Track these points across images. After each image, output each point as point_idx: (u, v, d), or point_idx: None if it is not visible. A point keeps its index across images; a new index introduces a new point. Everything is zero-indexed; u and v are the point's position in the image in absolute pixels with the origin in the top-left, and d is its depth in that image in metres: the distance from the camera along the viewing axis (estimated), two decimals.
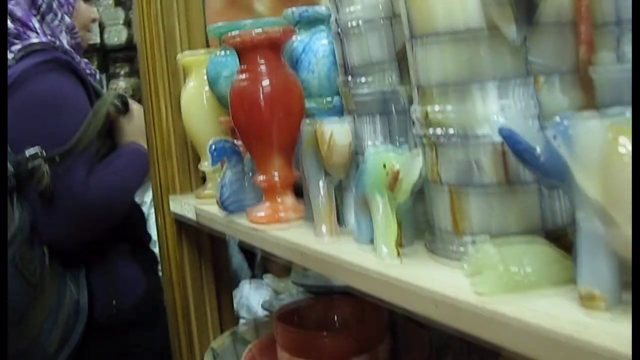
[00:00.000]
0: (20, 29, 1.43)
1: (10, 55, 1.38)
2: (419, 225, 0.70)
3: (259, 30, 0.85)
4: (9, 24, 1.44)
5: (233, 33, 0.86)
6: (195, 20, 1.31)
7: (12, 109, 1.31)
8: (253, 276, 2.52)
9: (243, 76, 0.86)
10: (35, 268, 1.33)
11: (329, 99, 0.88)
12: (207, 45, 1.31)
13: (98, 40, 3.83)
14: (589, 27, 0.62)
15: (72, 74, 1.43)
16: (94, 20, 1.63)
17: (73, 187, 1.35)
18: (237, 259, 2.47)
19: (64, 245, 1.40)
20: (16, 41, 1.41)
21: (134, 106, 1.53)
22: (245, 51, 0.86)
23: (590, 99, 0.60)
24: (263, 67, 0.85)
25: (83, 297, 1.43)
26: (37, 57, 1.39)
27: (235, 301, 1.93)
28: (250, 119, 0.85)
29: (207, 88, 1.13)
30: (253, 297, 2.28)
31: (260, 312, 1.85)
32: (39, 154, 1.31)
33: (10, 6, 1.44)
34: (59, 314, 1.39)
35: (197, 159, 1.24)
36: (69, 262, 1.44)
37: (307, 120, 0.80)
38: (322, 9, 0.91)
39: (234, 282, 2.23)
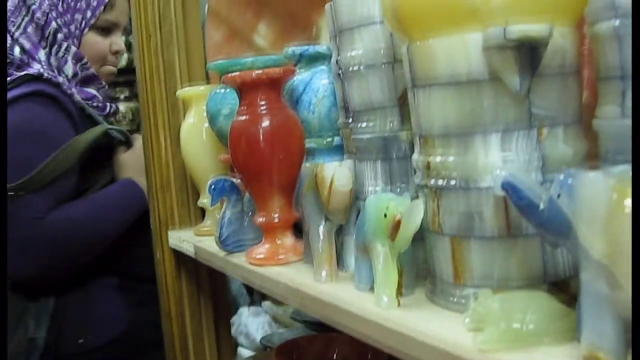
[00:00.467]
0: (26, 60, 1.43)
1: None
2: (419, 272, 0.69)
3: (259, 70, 0.85)
4: (17, 53, 1.43)
5: (233, 74, 0.85)
6: (195, 53, 1.30)
7: None
8: (252, 302, 2.51)
9: (243, 117, 0.85)
10: None
11: (329, 138, 0.88)
12: (207, 78, 1.31)
13: None
14: (592, 72, 0.62)
15: (55, 106, 1.39)
16: (116, 52, 1.58)
17: (28, 220, 1.31)
18: (236, 285, 2.45)
19: (19, 278, 1.36)
20: (16, 72, 1.40)
21: (137, 143, 1.48)
22: (245, 90, 0.86)
23: (593, 146, 0.60)
24: (263, 107, 0.84)
25: (40, 333, 1.37)
26: (21, 89, 1.37)
27: (233, 329, 1.91)
28: (250, 159, 0.85)
29: (206, 124, 1.12)
30: (252, 324, 2.26)
31: (259, 339, 1.83)
32: None
33: (20, 38, 1.44)
34: None
35: (197, 193, 1.23)
36: (35, 295, 1.39)
37: (308, 164, 0.80)
38: (322, 47, 0.90)
39: (233, 309, 2.21)
